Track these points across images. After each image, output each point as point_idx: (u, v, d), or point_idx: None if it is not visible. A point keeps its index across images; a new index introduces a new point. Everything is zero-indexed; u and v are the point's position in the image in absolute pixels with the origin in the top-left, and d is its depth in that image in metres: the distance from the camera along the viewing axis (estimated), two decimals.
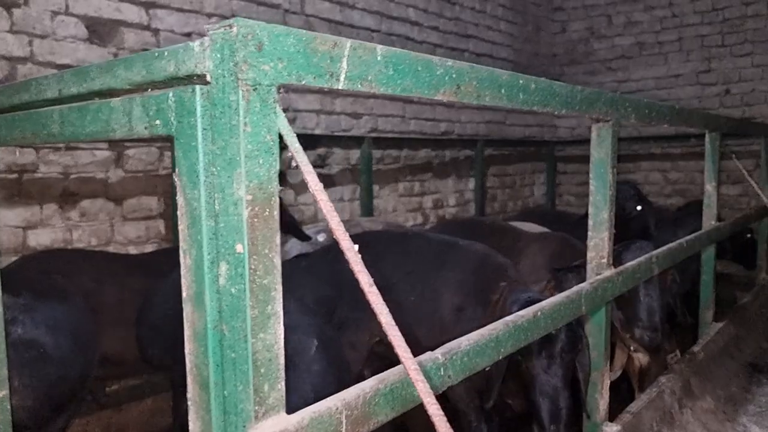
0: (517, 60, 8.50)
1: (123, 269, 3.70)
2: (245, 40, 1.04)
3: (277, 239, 1.12)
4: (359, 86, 1.24)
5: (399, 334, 1.10)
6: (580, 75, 9.07)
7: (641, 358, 3.58)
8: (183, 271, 1.09)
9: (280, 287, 1.12)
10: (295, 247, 4.76)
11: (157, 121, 1.12)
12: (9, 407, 1.95)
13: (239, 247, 1.06)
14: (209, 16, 4.74)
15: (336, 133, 5.82)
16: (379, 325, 1.12)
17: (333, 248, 4.14)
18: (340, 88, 1.21)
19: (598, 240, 2.48)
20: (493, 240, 4.20)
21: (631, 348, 3.63)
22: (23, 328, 2.68)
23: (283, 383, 1.13)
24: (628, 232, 4.46)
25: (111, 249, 4.20)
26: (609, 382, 2.57)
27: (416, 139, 6.73)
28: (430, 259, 3.23)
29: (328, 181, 5.80)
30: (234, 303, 1.06)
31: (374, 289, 1.10)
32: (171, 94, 1.09)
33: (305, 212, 5.58)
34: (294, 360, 2.23)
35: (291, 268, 4.27)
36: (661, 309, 3.33)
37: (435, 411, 1.09)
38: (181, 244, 1.09)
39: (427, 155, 6.98)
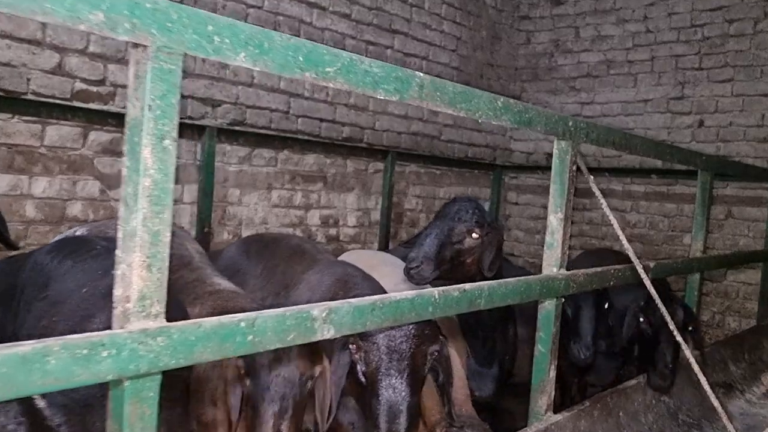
0: (463, 68, 7.37)
1: None
2: None
3: None
4: None
5: None
6: (542, 93, 7.89)
7: None
8: None
9: None
10: None
11: None
12: None
13: None
14: None
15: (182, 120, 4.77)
16: None
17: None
18: None
19: None
20: (289, 261, 3.43)
21: None
22: None
23: None
24: (460, 269, 3.21)
25: None
26: None
27: (301, 140, 5.63)
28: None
29: None
30: None
31: None
32: None
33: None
34: None
35: None
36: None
37: None
38: None
39: (318, 162, 5.87)
